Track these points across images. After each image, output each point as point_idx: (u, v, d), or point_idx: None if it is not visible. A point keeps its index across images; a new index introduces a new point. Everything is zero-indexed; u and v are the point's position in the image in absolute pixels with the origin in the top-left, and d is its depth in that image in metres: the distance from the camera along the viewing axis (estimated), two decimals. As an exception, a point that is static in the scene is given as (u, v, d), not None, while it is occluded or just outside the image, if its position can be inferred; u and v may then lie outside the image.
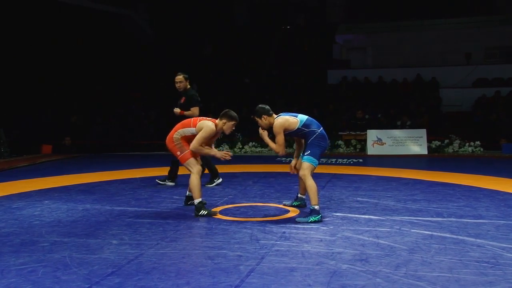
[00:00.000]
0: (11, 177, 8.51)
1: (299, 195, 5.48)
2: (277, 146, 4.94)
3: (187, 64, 19.62)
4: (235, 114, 5.19)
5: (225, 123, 5.12)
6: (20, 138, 13.61)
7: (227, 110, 5.22)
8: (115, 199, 6.12)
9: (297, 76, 18.98)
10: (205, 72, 19.00)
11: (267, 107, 5.09)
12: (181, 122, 5.34)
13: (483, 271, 3.24)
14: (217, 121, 5.19)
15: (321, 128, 5.00)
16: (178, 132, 5.23)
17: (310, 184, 4.78)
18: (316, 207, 4.73)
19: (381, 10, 19.99)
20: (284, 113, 5.10)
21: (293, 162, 5.36)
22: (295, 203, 5.48)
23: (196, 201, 5.09)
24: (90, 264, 3.46)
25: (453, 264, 3.38)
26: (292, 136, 5.17)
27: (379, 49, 20.17)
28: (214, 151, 5.23)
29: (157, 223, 4.76)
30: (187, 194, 5.67)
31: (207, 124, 5.11)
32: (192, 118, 5.39)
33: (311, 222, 4.65)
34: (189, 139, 5.18)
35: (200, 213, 5.02)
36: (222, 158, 5.16)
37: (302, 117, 5.01)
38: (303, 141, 5.18)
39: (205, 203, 5.21)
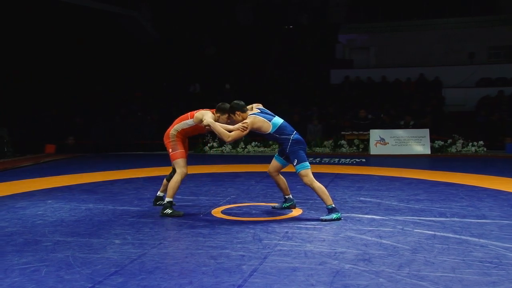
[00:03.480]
0: (14, 176, 8.54)
1: (286, 196, 5.38)
2: (231, 134, 4.80)
3: (190, 64, 19.68)
4: (226, 106, 5.06)
5: (219, 117, 5.07)
6: (24, 138, 13.65)
7: (220, 103, 5.15)
8: (118, 199, 6.13)
9: (300, 76, 18.96)
10: (208, 72, 19.01)
11: (242, 102, 5.01)
12: (179, 117, 5.31)
13: (486, 271, 3.23)
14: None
15: (294, 132, 4.93)
16: (175, 128, 5.24)
17: (318, 186, 4.79)
18: (333, 205, 4.77)
19: (384, 9, 19.97)
20: (260, 113, 4.96)
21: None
22: (285, 205, 5.37)
23: (167, 199, 5.11)
24: (93, 263, 3.47)
25: (456, 264, 3.37)
26: (265, 138, 5.09)
27: (382, 49, 20.14)
28: (228, 127, 4.95)
29: (160, 222, 4.77)
30: (157, 194, 5.68)
31: (207, 112, 5.07)
32: (189, 113, 5.25)
33: (335, 219, 4.70)
34: (186, 132, 5.23)
35: (166, 211, 5.03)
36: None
37: (276, 122, 4.90)
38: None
39: (174, 204, 5.30)
